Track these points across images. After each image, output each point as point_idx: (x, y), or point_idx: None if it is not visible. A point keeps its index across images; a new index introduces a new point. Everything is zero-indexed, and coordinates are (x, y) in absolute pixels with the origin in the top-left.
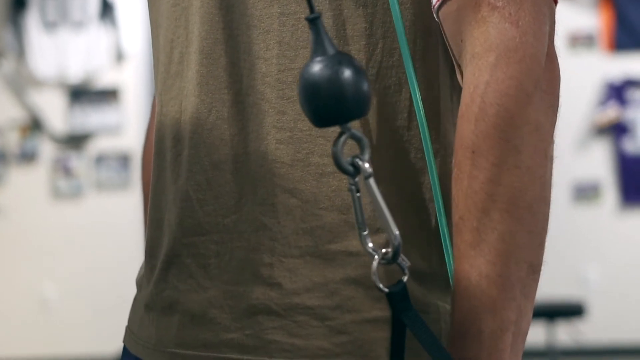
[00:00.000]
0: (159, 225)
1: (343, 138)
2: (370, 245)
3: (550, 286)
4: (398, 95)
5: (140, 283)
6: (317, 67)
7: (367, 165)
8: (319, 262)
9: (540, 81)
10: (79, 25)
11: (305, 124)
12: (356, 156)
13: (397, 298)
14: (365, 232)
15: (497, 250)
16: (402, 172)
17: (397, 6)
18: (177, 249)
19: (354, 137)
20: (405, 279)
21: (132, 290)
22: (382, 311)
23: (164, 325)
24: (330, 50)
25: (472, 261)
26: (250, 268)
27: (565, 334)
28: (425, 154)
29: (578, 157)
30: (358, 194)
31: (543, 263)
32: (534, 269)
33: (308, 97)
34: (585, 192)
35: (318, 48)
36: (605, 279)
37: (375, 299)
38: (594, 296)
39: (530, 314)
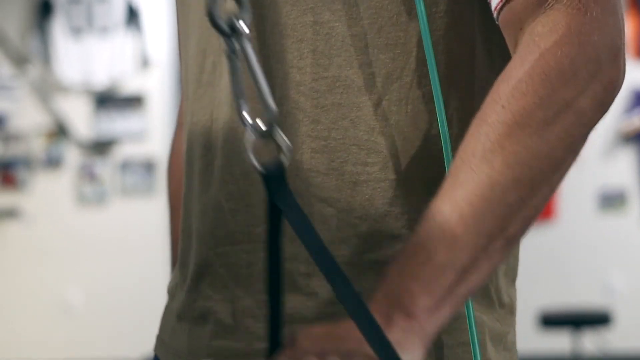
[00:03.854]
0: (189, 234)
1: None
2: (245, 114)
3: (576, 295)
4: (433, 103)
5: (172, 292)
6: None
7: (244, 25)
8: (355, 272)
9: (596, 71)
10: (104, 31)
11: (339, 132)
12: (234, 14)
13: (274, 180)
14: (242, 101)
15: (482, 195)
16: (437, 181)
17: (425, 19)
18: (210, 258)
19: None
20: (283, 158)
21: (156, 297)
22: None
23: (196, 335)
24: None
25: (452, 195)
26: (287, 277)
27: (591, 342)
28: (445, 159)
29: (604, 166)
30: (234, 57)
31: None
32: (507, 238)
33: None
34: (611, 201)
35: None
36: (632, 287)
37: None
38: (620, 304)
39: (484, 276)
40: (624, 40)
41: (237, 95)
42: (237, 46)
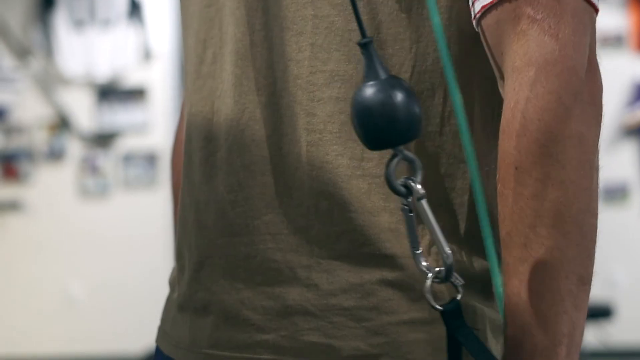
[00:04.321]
0: (185, 225)
1: (395, 160)
2: (424, 264)
3: None
4: (431, 100)
5: (173, 283)
6: (370, 92)
7: (419, 186)
8: (355, 264)
9: (580, 93)
10: (107, 24)
11: (335, 126)
12: (408, 177)
13: (451, 316)
14: (419, 251)
15: (545, 265)
16: (434, 177)
17: (436, 13)
18: (210, 250)
19: (406, 158)
20: (459, 297)
21: (159, 289)
22: (420, 313)
23: (197, 326)
24: (382, 74)
25: (521, 277)
26: (287, 269)
27: (593, 336)
28: (468, 160)
29: (606, 159)
30: (411, 214)
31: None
32: (584, 281)
33: (362, 121)
34: (613, 194)
35: (370, 72)
36: (634, 281)
37: (412, 300)
38: (622, 298)
39: (583, 324)
40: (595, 51)
41: (414, 246)
42: (412, 203)
